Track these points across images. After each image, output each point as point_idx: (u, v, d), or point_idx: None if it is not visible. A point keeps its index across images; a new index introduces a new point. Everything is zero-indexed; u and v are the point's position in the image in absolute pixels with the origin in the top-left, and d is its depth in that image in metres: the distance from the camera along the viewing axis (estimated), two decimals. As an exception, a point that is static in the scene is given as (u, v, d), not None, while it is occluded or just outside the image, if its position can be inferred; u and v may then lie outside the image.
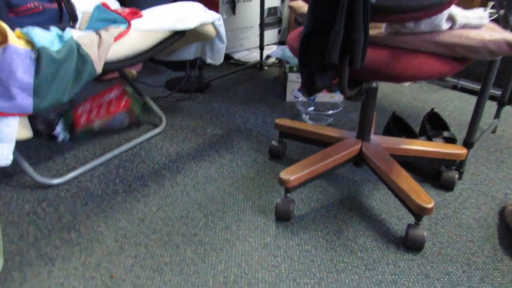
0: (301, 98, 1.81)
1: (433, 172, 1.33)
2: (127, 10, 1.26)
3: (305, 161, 1.17)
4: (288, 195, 1.15)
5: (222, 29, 1.49)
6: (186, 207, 1.20)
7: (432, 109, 1.53)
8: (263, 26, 2.26)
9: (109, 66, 1.15)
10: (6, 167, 1.38)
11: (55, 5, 1.33)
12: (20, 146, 1.50)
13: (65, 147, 1.49)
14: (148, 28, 1.23)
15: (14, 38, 0.97)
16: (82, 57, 1.05)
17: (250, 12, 2.41)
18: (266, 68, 2.38)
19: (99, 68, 1.09)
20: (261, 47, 2.29)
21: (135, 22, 1.23)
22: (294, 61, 1.91)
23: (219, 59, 1.59)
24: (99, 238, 1.08)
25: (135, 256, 1.03)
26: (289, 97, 1.93)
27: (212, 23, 1.45)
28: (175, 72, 2.27)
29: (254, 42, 2.52)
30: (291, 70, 1.88)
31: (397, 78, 0.96)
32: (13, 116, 0.98)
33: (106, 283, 0.95)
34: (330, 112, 1.74)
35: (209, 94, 2.00)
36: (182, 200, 1.23)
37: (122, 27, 1.18)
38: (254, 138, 1.60)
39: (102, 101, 1.50)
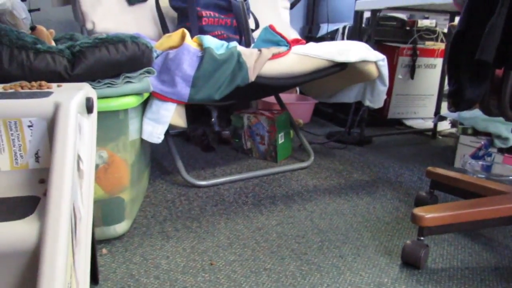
0: (471, 161, 1.56)
1: None
2: (292, 37, 1.36)
3: (451, 203, 0.99)
4: (422, 238, 0.97)
5: (385, 71, 1.46)
6: (305, 229, 1.14)
7: None
8: (441, 93, 2.11)
9: (263, 80, 1.24)
10: (166, 166, 1.58)
11: (237, 36, 1.54)
12: (184, 155, 1.70)
13: (218, 163, 1.63)
14: (307, 53, 1.30)
15: (190, 40, 1.16)
16: (239, 64, 1.17)
17: (430, 79, 2.30)
18: (440, 137, 2.18)
19: (252, 77, 1.19)
20: (436, 115, 2.12)
21: (296, 47, 1.31)
22: (471, 122, 1.69)
23: (378, 103, 1.54)
24: (214, 232, 1.10)
25: (239, 254, 1.00)
26: (458, 163, 1.70)
27: (375, 63, 1.43)
28: (339, 127, 2.29)
29: (431, 112, 2.36)
30: (464, 131, 1.67)
31: None
32: (172, 101, 1.13)
33: (204, 267, 0.95)
34: (509, 178, 1.45)
35: (368, 148, 1.93)
36: (304, 223, 1.17)
37: (283, 49, 1.28)
38: (403, 190, 1.44)
39: (263, 111, 1.64)
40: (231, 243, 1.05)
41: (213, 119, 1.73)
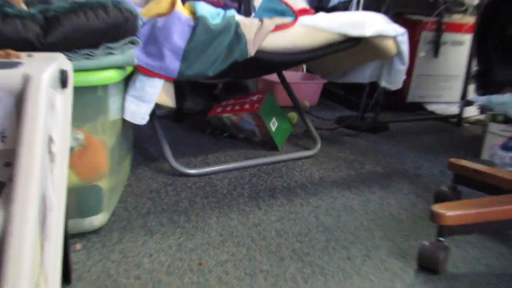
0: (500, 152, 1.56)
1: None
2: (299, 6, 1.35)
3: (476, 200, 0.99)
4: (442, 239, 0.97)
5: (405, 47, 1.45)
6: (308, 227, 1.14)
7: None
8: (469, 75, 2.10)
9: (264, 55, 1.24)
10: (151, 151, 1.58)
11: (236, 4, 1.53)
12: (172, 139, 1.71)
13: (211, 149, 1.63)
14: (315, 25, 1.29)
15: (181, 7, 1.15)
16: (238, 36, 1.16)
17: (457, 58, 2.29)
18: (466, 125, 2.18)
19: (251, 51, 1.18)
20: (463, 99, 2.12)
21: (303, 18, 1.30)
22: (502, 108, 1.69)
23: (396, 83, 1.54)
24: (204, 228, 1.11)
25: (233, 254, 1.01)
26: (486, 154, 1.70)
27: (394, 38, 1.42)
28: (350, 111, 2.29)
29: (457, 96, 2.35)
30: (494, 119, 1.67)
31: None
32: (159, 77, 1.13)
33: (191, 267, 0.95)
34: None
35: (383, 136, 1.93)
36: (308, 219, 1.18)
37: (288, 19, 1.27)
38: (422, 184, 1.45)
39: (242, 101, 1.60)
40: (223, 240, 1.06)
41: (216, 91, 1.71)
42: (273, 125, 1.61)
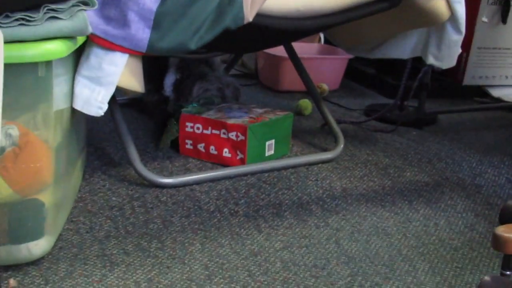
0: None
1: None
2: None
3: (555, 220, 0.98)
4: (508, 272, 0.97)
5: (461, 9, 1.45)
6: (327, 256, 1.15)
7: None
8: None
9: (266, 20, 1.24)
10: (111, 153, 1.59)
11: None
12: (140, 136, 1.71)
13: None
14: (338, -21, 1.29)
15: (152, -46, 1.14)
16: (230, -6, 1.16)
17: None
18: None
19: (249, 15, 1.18)
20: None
21: (320, -30, 1.30)
22: None
23: (448, 60, 1.54)
24: (185, 258, 1.11)
25: (223, 293, 1.01)
26: None
27: (446, -4, 1.43)
28: (385, 97, 2.29)
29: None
30: None
31: None
32: (121, 51, 1.13)
33: (166, 312, 0.95)
34: None
35: (429, 131, 1.95)
36: (325, 246, 1.18)
37: (299, -29, 1.27)
38: (483, 198, 1.45)
39: (215, 136, 1.56)
40: (210, 275, 1.06)
41: (165, 86, 1.68)
42: (269, 151, 1.61)
